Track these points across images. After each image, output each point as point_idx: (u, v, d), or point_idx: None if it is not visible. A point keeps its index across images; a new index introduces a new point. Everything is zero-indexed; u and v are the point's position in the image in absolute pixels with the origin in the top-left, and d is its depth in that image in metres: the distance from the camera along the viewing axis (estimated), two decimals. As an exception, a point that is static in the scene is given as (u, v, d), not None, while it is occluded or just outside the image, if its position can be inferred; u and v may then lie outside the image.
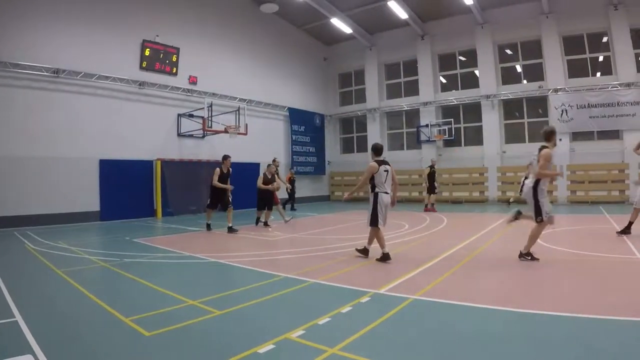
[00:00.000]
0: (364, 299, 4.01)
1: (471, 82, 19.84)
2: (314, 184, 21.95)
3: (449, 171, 19.68)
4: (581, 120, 18.17)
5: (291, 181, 16.80)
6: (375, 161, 6.15)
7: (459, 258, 6.15)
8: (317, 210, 16.64)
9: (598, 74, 18.64)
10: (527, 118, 19.36)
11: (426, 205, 14.76)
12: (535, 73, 19.06)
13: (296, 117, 20.65)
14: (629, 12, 17.65)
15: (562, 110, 18.39)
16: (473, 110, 19.82)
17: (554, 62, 18.48)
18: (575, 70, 18.64)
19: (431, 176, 14.58)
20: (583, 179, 17.76)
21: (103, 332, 3.36)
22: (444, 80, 20.68)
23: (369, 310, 3.74)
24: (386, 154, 21.08)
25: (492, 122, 19.30)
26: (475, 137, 19.84)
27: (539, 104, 19.25)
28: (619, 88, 17.80)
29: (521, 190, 9.96)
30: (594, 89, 18.05)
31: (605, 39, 18.51)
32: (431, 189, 14.59)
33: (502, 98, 19.17)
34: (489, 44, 19.22)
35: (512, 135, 19.41)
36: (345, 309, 3.72)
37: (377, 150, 6.32)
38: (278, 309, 3.87)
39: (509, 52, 19.68)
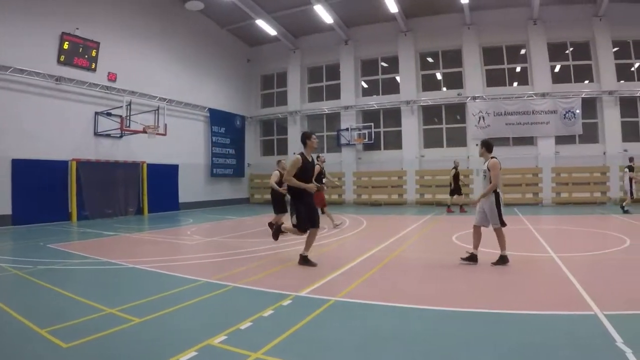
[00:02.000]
0: (286, 302, 4.08)
1: (392, 87, 20.27)
2: (233, 186, 21.56)
3: (368, 174, 19.82)
4: (498, 127, 18.87)
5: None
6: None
7: (379, 259, 6.34)
8: (236, 213, 16.51)
9: (515, 84, 19.67)
10: (445, 124, 19.94)
11: (448, 206, 15.29)
12: (455, 81, 19.80)
13: (217, 118, 20.51)
14: (546, 27, 18.96)
15: (480, 117, 19.04)
16: (393, 115, 20.18)
17: (474, 71, 19.31)
18: (494, 79, 19.53)
19: (456, 177, 14.82)
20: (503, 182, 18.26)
21: (17, 345, 3.22)
22: (365, 85, 21.03)
23: (290, 313, 3.80)
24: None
25: (411, 127, 19.65)
26: (395, 141, 20.07)
27: (457, 111, 19.85)
28: (535, 98, 18.77)
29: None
30: (510, 98, 18.99)
31: (523, 51, 19.67)
32: (456, 190, 14.87)
33: (421, 104, 19.71)
34: (411, 52, 19.87)
35: (431, 140, 19.85)
36: (267, 312, 3.78)
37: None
38: (199, 315, 3.89)
39: (430, 60, 20.42)
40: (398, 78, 20.14)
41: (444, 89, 20.01)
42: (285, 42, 20.71)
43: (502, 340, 3.18)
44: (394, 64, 20.31)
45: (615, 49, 19.17)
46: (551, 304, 4.07)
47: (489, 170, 5.95)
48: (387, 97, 20.19)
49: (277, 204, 9.64)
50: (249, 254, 7.04)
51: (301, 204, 5.73)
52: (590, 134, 19.05)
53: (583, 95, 18.78)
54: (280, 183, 9.37)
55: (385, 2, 17.43)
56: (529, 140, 18.96)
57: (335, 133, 20.36)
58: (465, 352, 2.98)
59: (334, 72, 20.87)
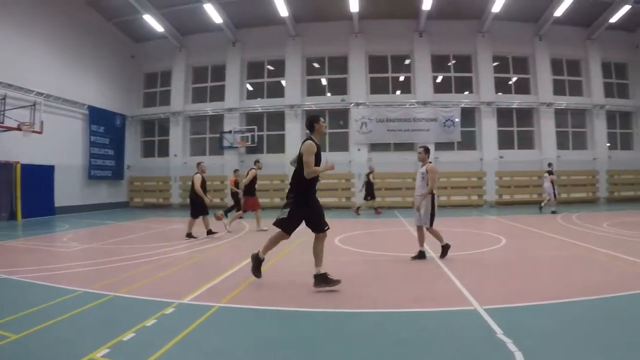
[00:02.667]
0: (169, 310, 3.95)
1: (277, 91, 20.03)
2: (112, 189, 20.31)
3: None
4: (379, 133, 19.10)
5: (237, 185, 15.60)
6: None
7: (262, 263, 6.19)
8: (115, 217, 15.72)
9: (398, 92, 20.09)
10: (328, 128, 19.86)
11: (376, 209, 15.89)
12: (339, 87, 19.91)
13: (96, 116, 19.37)
14: (432, 40, 19.61)
15: (362, 123, 19.17)
16: (277, 119, 19.88)
17: (358, 78, 19.51)
18: (378, 87, 19.82)
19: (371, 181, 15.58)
20: (380, 187, 18.12)
21: None
22: (250, 88, 20.66)
23: (174, 322, 3.67)
24: (188, 159, 20.73)
25: (295, 131, 19.40)
26: (278, 145, 19.73)
27: (340, 116, 19.95)
28: (416, 105, 19.23)
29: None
30: (393, 105, 19.38)
31: (407, 61, 20.20)
32: (371, 193, 15.67)
33: (305, 108, 19.58)
34: (298, 56, 19.78)
35: None
36: (150, 322, 3.63)
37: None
38: (79, 328, 3.65)
39: (316, 65, 20.48)
40: (284, 82, 19.99)
41: (329, 94, 20.13)
42: (172, 39, 20.16)
43: (388, 338, 3.28)
44: (280, 67, 20.13)
45: (496, 63, 20.19)
46: (433, 301, 4.33)
47: (427, 173, 6.37)
48: (271, 100, 19.91)
49: (197, 207, 9.34)
50: (129, 260, 6.78)
51: (306, 207, 4.86)
52: (469, 141, 19.70)
53: (463, 105, 19.52)
54: (203, 187, 9.23)
55: (276, 6, 17.37)
56: (409, 146, 19.19)
57: (218, 135, 19.81)
58: (350, 352, 3.03)
59: (219, 73, 20.43)
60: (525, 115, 20.51)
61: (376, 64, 19.89)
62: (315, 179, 4.87)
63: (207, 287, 4.89)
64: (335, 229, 10.41)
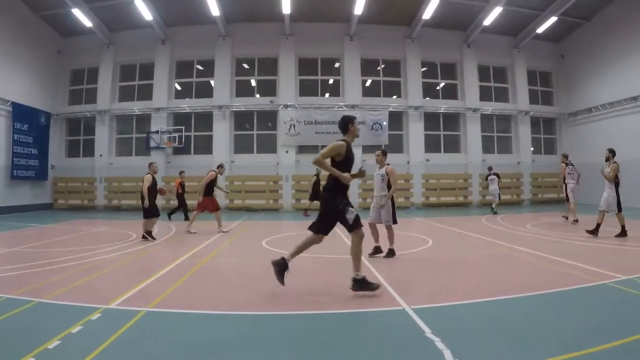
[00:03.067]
0: (95, 316, 3.83)
1: (206, 91, 19.93)
2: (35, 190, 19.76)
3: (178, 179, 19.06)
4: (308, 135, 19.26)
5: (182, 187, 14.81)
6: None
7: (189, 266, 6.30)
8: (39, 220, 15.23)
9: (327, 95, 20.34)
10: (256, 130, 19.99)
11: (305, 210, 15.94)
12: (268, 88, 19.96)
13: (20, 114, 18.78)
14: (362, 44, 19.94)
15: (291, 125, 19.28)
16: (205, 119, 19.76)
17: (288, 80, 19.63)
18: (307, 89, 20.03)
19: (316, 184, 15.25)
20: (307, 188, 18.07)
21: None
22: (179, 87, 20.49)
23: (101, 328, 3.56)
24: (114, 160, 20.49)
25: (222, 131, 19.36)
26: (205, 146, 19.60)
27: (269, 118, 20.01)
28: (345, 108, 19.41)
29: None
30: (321, 108, 19.57)
31: (337, 65, 20.50)
32: (315, 196, 15.12)
33: (234, 109, 19.60)
34: (228, 57, 19.73)
35: (242, 145, 19.74)
36: (76, 328, 3.51)
37: None
38: (1, 337, 3.46)
39: (246, 66, 20.52)
40: (212, 82, 19.92)
41: (258, 95, 20.18)
42: (100, 35, 19.78)
43: (318, 339, 3.33)
44: (209, 67, 20.01)
45: (424, 68, 20.73)
46: (362, 302, 4.33)
47: (387, 174, 6.78)
48: (200, 100, 19.76)
49: (149, 208, 9.18)
50: (53, 264, 6.49)
51: (343, 197, 4.65)
52: (396, 145, 20.10)
53: (391, 109, 19.94)
54: (154, 188, 9.09)
55: (207, 5, 17.20)
56: None
57: (145, 135, 19.65)
58: (280, 355, 3.05)
59: (147, 71, 20.17)
60: (452, 120, 21.19)
61: (306, 66, 20.01)
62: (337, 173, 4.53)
63: (134, 291, 4.79)
64: (263, 231, 10.65)
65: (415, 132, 20.14)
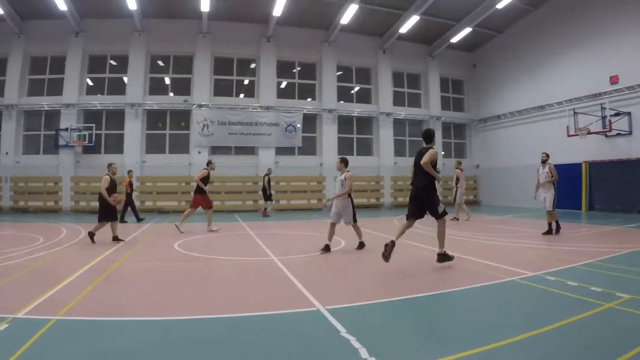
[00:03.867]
0: (2, 327, 3.63)
1: (118, 88, 19.80)
2: None
3: (87, 179, 18.52)
4: (221, 136, 19.66)
5: (131, 186, 14.51)
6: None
7: (100, 271, 6.13)
8: None
9: (242, 95, 20.77)
10: (169, 130, 20.16)
11: (264, 210, 16.73)
12: (183, 87, 20.16)
13: None
14: (278, 45, 20.45)
15: (204, 125, 19.58)
16: (116, 117, 19.62)
17: (203, 79, 19.87)
18: (221, 89, 20.34)
19: (269, 183, 16.46)
20: (220, 190, 18.77)
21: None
22: (91, 83, 20.23)
23: (8, 339, 3.36)
24: (20, 158, 20.12)
25: (134, 130, 19.30)
26: (116, 145, 19.48)
27: (182, 117, 20.20)
28: (259, 110, 20.02)
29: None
30: (236, 109, 19.96)
31: (253, 65, 20.95)
32: (269, 196, 16.54)
33: (147, 108, 19.61)
34: (142, 53, 19.66)
35: (154, 145, 19.81)
36: None
37: None
38: None
39: (161, 63, 20.54)
40: (126, 78, 19.84)
41: (171, 94, 20.32)
42: (11, 23, 18.85)
43: (233, 343, 3.34)
44: (123, 63, 19.88)
45: (339, 72, 21.61)
46: (276, 304, 4.42)
47: (345, 180, 7.66)
48: (112, 97, 19.58)
49: (106, 210, 9.08)
50: None
51: (435, 194, 6.29)
52: (310, 147, 20.98)
53: (305, 111, 20.68)
54: (113, 190, 9.05)
55: None
56: (250, 150, 20.15)
57: (54, 133, 19.45)
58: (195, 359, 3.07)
59: (59, 64, 19.57)
60: (366, 124, 22.24)
61: (222, 66, 20.19)
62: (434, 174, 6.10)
63: (42, 298, 4.55)
64: (175, 234, 10.66)
65: (329, 134, 21.00)
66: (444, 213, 6.23)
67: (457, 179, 14.41)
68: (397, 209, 20.12)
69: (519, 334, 3.44)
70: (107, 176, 9.23)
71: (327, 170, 20.46)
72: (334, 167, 19.72)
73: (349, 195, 7.78)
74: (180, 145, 20.00)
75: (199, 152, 19.65)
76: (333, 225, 7.83)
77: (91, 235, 8.92)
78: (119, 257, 7.31)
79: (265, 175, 16.98)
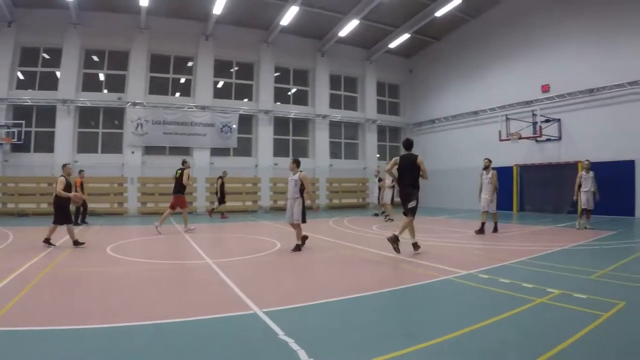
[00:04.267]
0: None
1: (50, 83, 21.32)
2: None
3: (16, 180, 19.96)
4: (155, 135, 21.88)
5: (82, 187, 15.23)
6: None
7: (29, 277, 6.31)
8: None
9: (177, 94, 23.06)
10: (102, 128, 22.03)
11: (222, 214, 18.90)
12: (117, 84, 22.04)
13: None
14: (217, 44, 22.84)
15: (138, 124, 21.70)
16: (47, 114, 21.12)
17: (138, 76, 21.86)
18: (157, 87, 22.47)
19: (222, 186, 18.65)
20: (153, 192, 21.04)
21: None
22: (21, 77, 21.54)
23: None
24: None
25: (66, 128, 20.96)
26: (47, 144, 20.90)
27: (116, 115, 22.23)
28: (195, 109, 22.43)
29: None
30: (171, 108, 22.23)
31: (190, 64, 23.27)
32: (223, 198, 18.64)
33: (79, 104, 21.33)
34: (77, 47, 21.30)
35: (86, 144, 21.58)
36: None
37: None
38: None
39: (96, 58, 22.31)
40: (58, 73, 21.36)
41: (105, 91, 21.45)
42: None
43: (167, 350, 3.60)
44: (56, 57, 21.28)
45: (277, 73, 24.55)
46: (212, 308, 4.84)
47: (300, 180, 9.13)
48: (43, 92, 20.56)
49: (62, 213, 9.60)
50: None
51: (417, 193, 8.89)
52: (245, 148, 23.88)
53: (241, 112, 23.48)
54: (68, 191, 9.57)
55: None
56: (185, 151, 22.55)
57: (-20, 129, 21.19)
58: None
59: None
60: (302, 125, 25.49)
61: (158, 63, 21.94)
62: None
63: None
64: (107, 237, 11.15)
65: (264, 136, 23.96)
66: (415, 210, 8.55)
67: (380, 180, 17.28)
68: (333, 210, 23.42)
69: (455, 331, 3.92)
70: (63, 177, 9.68)
71: (263, 172, 23.50)
72: (270, 168, 23.98)
73: (301, 196, 9.15)
74: (114, 145, 21.82)
75: (132, 152, 21.57)
76: (292, 225, 9.33)
77: (47, 241, 9.51)
78: (48, 263, 7.53)
79: (219, 177, 18.85)
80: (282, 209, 21.98)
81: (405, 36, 24.24)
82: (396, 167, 9.24)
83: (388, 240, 8.27)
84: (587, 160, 13.55)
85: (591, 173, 13.01)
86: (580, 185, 12.97)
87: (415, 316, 4.80)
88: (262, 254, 8.93)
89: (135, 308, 4.97)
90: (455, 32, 25.28)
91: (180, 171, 13.47)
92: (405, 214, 8.67)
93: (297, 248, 9.17)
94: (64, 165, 10.34)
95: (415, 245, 8.64)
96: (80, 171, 15.96)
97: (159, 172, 21.05)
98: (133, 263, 8.07)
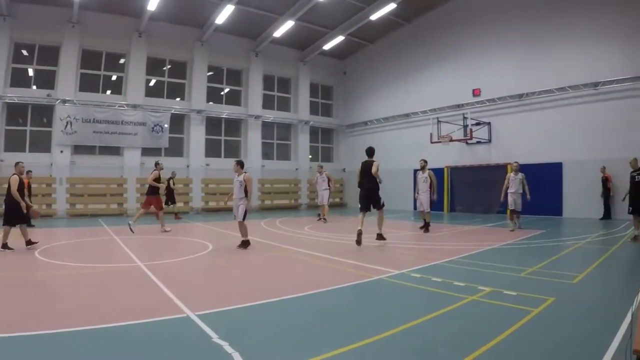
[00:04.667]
0: None
1: None
2: None
3: None
4: (85, 134, 23.70)
5: (29, 188, 15.96)
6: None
7: None
8: None
9: (108, 92, 25.08)
10: (30, 126, 23.53)
11: (176, 214, 20.95)
12: (46, 80, 23.56)
13: None
14: (151, 41, 24.97)
15: (67, 122, 23.43)
16: None
17: (69, 72, 23.51)
18: (88, 84, 24.28)
19: (169, 187, 20.29)
20: (83, 193, 22.50)
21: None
22: None
23: None
24: None
25: None
26: None
27: (45, 113, 23.81)
28: (126, 108, 24.46)
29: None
30: (102, 106, 24.17)
31: (122, 61, 25.20)
32: (171, 199, 20.59)
33: (7, 101, 22.67)
34: (6, 40, 22.23)
35: (13, 143, 22.29)
36: None
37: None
38: None
39: (25, 52, 23.59)
40: None
41: (34, 87, 22.62)
42: None
43: (98, 358, 3.91)
44: None
45: (210, 73, 27.34)
46: (143, 312, 5.13)
47: (244, 181, 10.61)
48: None
49: (16, 213, 10.15)
50: None
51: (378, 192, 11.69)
52: (177, 148, 26.55)
53: (173, 111, 26.04)
54: (21, 191, 10.22)
55: None
56: (115, 150, 24.09)
57: None
58: None
59: None
60: (234, 126, 28.60)
61: (90, 59, 23.38)
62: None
63: None
64: (36, 240, 11.19)
65: (196, 136, 26.77)
66: (383, 205, 11.30)
67: (317, 181, 19.88)
68: (265, 211, 26.25)
69: (389, 330, 4.45)
70: (16, 175, 10.16)
71: (194, 172, 26.28)
72: (201, 169, 27.97)
73: (246, 196, 10.68)
74: (42, 144, 22.56)
75: (61, 152, 23.06)
76: (240, 223, 10.80)
77: (4, 246, 10.06)
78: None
79: (169, 178, 20.45)
80: (214, 211, 25.92)
81: (340, 38, 27.69)
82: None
83: (377, 238, 11.56)
84: (515, 162, 14.97)
85: (520, 175, 14.39)
86: (508, 187, 14.19)
87: (350, 316, 5.24)
88: (194, 255, 9.58)
89: (62, 314, 5.16)
90: (389, 36, 29.13)
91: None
92: (361, 210, 11.51)
93: (243, 244, 10.83)
94: (17, 164, 10.83)
95: (381, 236, 11.52)
96: (29, 172, 16.57)
97: (89, 172, 22.69)
98: (62, 267, 8.36)
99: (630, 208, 11.75)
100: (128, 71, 24.84)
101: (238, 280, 7.52)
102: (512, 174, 14.61)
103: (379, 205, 11.65)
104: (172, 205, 20.77)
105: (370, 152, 12.11)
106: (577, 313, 5.40)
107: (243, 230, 11.01)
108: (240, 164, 11.39)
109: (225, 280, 7.52)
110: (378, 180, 11.38)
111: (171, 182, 20.81)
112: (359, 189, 12.26)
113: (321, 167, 20.18)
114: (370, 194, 11.66)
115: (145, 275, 7.47)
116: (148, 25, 23.99)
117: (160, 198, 15.42)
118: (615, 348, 4.04)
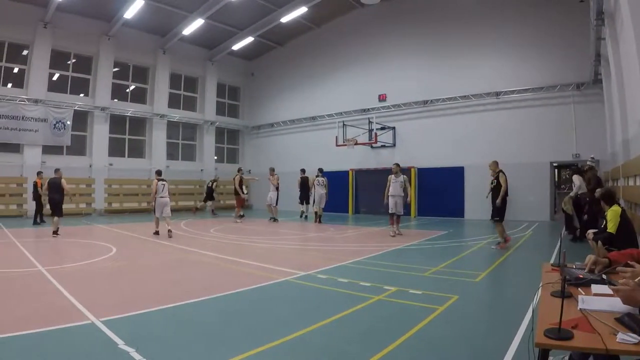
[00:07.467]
0: None
1: None
2: None
3: None
4: None
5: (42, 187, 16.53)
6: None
7: None
8: None
9: (9, 85, 25.69)
10: None
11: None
12: None
13: None
14: (56, 33, 25.74)
15: None
16: None
17: None
18: None
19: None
20: None
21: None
22: None
23: None
24: None
25: None
26: None
27: None
28: (27, 102, 25.14)
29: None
30: (1, 100, 24.73)
31: (25, 52, 25.75)
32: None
33: None
34: None
35: None
36: None
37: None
38: None
39: None
40: None
41: None
42: None
43: None
44: None
45: (116, 69, 28.96)
46: (45, 319, 5.32)
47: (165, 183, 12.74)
48: None
49: None
50: None
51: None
52: (79, 146, 27.93)
53: (76, 108, 27.28)
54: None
55: None
56: (15, 148, 24.58)
57: None
58: None
59: None
60: (139, 124, 30.57)
61: None
62: None
63: None
64: None
65: (100, 134, 28.27)
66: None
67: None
68: (177, 213, 26.95)
69: (297, 330, 4.89)
70: None
71: (97, 172, 27.70)
72: (104, 169, 30.17)
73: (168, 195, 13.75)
74: None
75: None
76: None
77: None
78: None
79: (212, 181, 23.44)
80: (118, 212, 28.20)
81: (250, 39, 30.42)
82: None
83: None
84: (395, 164, 15.58)
85: (401, 177, 14.77)
86: (389, 189, 14.55)
87: (257, 318, 5.55)
88: (98, 259, 9.86)
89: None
90: (299, 39, 32.26)
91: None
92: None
93: (169, 234, 14.03)
94: None
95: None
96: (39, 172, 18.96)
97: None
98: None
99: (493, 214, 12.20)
100: (31, 63, 25.15)
101: (144, 284, 7.83)
102: (393, 176, 15.06)
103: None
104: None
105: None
106: (481, 310, 6.13)
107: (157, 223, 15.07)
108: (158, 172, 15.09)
109: (130, 284, 7.82)
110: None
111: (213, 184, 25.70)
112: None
113: (272, 169, 22.77)
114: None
115: (47, 280, 7.73)
116: (54, 16, 24.55)
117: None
118: (518, 341, 4.57)
